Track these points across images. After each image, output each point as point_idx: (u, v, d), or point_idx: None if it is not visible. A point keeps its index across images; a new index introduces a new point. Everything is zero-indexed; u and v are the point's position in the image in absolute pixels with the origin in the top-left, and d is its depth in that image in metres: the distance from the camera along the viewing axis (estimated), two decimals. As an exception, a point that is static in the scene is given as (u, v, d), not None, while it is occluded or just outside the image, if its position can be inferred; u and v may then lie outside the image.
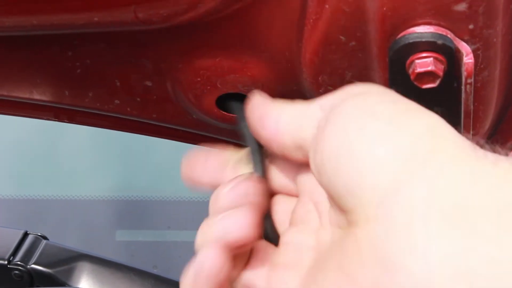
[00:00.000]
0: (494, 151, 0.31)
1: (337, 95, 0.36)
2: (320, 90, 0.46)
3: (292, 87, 0.49)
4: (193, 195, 1.70)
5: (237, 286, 0.39)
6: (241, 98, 0.50)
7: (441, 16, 0.39)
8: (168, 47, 0.48)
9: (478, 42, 0.40)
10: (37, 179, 1.79)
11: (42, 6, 0.42)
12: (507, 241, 0.26)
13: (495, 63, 0.42)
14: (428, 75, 0.40)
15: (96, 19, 0.43)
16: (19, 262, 0.77)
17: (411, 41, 0.40)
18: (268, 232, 0.41)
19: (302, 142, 0.37)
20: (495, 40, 0.41)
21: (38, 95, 0.54)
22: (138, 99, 0.53)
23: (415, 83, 0.40)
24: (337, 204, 0.33)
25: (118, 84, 0.52)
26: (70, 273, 0.77)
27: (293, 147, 0.37)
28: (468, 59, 0.41)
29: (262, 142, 0.40)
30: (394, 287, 0.28)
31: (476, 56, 0.41)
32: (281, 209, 0.42)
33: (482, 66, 0.42)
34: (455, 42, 0.40)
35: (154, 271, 0.79)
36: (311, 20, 0.43)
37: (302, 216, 0.40)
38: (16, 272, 0.77)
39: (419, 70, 0.40)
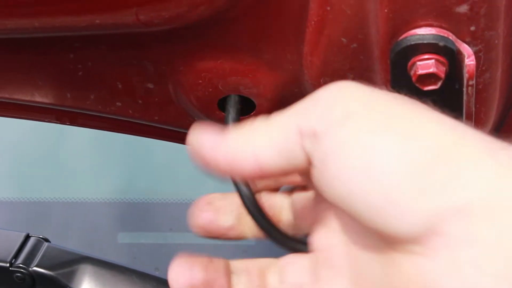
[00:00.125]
0: None
1: (316, 113, 0.33)
2: (322, 92, 0.46)
3: (293, 89, 0.49)
4: (195, 197, 1.70)
5: None
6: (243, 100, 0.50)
7: (443, 18, 0.39)
8: (169, 49, 0.48)
9: (480, 44, 0.40)
10: (38, 182, 1.79)
11: (44, 8, 0.42)
12: None
13: (497, 65, 0.42)
14: (430, 77, 0.40)
15: (97, 21, 0.43)
16: (21, 265, 0.77)
17: (412, 43, 0.40)
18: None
19: (294, 167, 0.34)
20: (496, 42, 0.41)
21: (40, 98, 0.55)
22: (140, 101, 0.53)
23: (417, 85, 0.40)
24: (364, 224, 0.31)
25: (119, 86, 0.52)
26: (72, 275, 0.77)
27: (283, 174, 0.35)
28: (469, 61, 0.41)
29: (238, 179, 0.39)
30: None
31: (477, 58, 0.41)
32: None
33: (483, 68, 0.42)
34: (456, 44, 0.40)
35: (156, 273, 0.79)
36: (313, 22, 0.43)
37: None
38: (18, 274, 0.77)
39: (420, 72, 0.40)
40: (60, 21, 0.44)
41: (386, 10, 0.40)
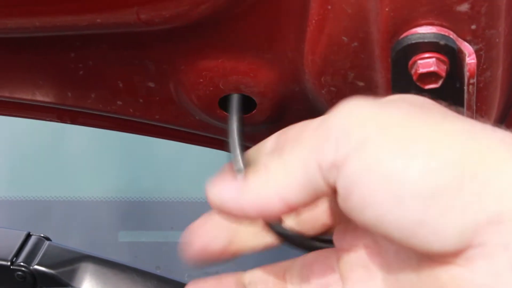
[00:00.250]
0: None
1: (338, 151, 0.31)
2: (323, 91, 0.46)
3: (294, 88, 0.49)
4: (196, 196, 1.70)
5: None
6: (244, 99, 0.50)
7: (444, 16, 0.39)
8: (170, 48, 0.48)
9: (481, 43, 0.40)
10: (39, 180, 1.79)
11: (45, 8, 0.42)
12: None
13: (498, 63, 0.42)
14: (431, 76, 0.40)
15: (98, 20, 0.43)
16: (22, 263, 0.77)
17: (413, 41, 0.40)
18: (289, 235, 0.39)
19: (321, 197, 0.33)
20: (497, 40, 0.41)
21: (41, 97, 0.55)
22: (141, 100, 0.53)
23: (418, 83, 0.40)
24: (397, 244, 0.31)
25: (120, 85, 0.52)
26: (73, 274, 0.77)
27: (310, 205, 0.34)
28: (470, 60, 0.41)
29: (267, 220, 0.38)
30: None
31: (478, 57, 0.41)
32: None
33: (484, 66, 0.42)
34: (457, 42, 0.40)
35: (157, 272, 0.79)
36: (314, 21, 0.43)
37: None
38: (19, 273, 0.77)
39: (421, 70, 0.40)
40: (61, 20, 0.44)
41: (387, 9, 0.40)
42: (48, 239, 0.82)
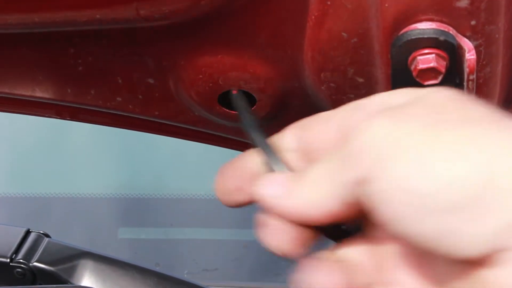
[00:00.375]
0: None
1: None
2: (323, 87, 0.46)
3: (294, 84, 0.49)
4: (196, 192, 1.70)
5: None
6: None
7: (443, 12, 0.39)
8: (170, 44, 0.48)
9: (480, 38, 0.40)
10: (39, 177, 1.79)
11: (44, 3, 0.42)
12: None
13: (497, 59, 0.42)
14: (430, 72, 0.40)
15: (98, 16, 0.43)
16: (21, 260, 0.77)
17: (413, 37, 0.40)
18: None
19: (357, 209, 0.35)
20: (497, 36, 0.41)
21: (40, 93, 0.55)
22: (140, 96, 0.53)
23: (417, 79, 0.40)
24: (430, 251, 0.32)
25: (120, 81, 0.52)
26: (72, 271, 0.77)
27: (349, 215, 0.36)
28: (470, 56, 0.41)
29: (308, 224, 0.38)
30: None
31: (478, 52, 0.41)
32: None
33: (484, 62, 0.42)
34: (457, 38, 0.40)
35: (157, 268, 0.79)
36: (313, 17, 0.43)
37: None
38: (19, 270, 0.77)
39: (421, 66, 0.40)
40: (60, 16, 0.44)
41: (386, 5, 0.40)
42: (47, 235, 0.82)
